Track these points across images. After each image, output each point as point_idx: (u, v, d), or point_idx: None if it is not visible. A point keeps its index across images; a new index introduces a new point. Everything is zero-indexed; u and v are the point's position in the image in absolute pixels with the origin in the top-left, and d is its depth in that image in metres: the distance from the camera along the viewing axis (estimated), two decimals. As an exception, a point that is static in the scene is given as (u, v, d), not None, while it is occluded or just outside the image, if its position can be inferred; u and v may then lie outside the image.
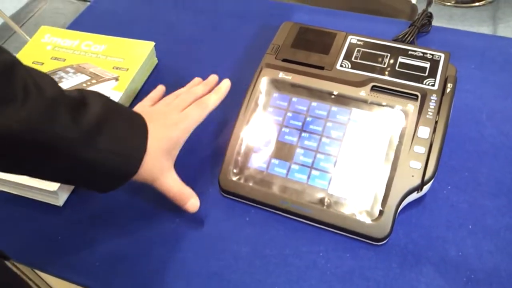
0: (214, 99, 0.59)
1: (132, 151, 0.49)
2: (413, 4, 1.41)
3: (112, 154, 0.47)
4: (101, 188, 0.50)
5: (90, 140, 0.45)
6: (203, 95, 0.60)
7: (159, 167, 0.52)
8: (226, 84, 0.61)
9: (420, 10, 1.30)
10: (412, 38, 0.74)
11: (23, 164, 0.44)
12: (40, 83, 0.42)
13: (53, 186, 0.58)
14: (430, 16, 0.78)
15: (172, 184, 0.54)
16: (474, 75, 0.70)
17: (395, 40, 0.75)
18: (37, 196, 0.60)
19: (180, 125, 0.54)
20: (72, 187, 0.61)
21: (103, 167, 0.47)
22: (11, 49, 0.43)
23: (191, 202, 0.55)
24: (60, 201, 0.60)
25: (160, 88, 0.64)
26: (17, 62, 0.41)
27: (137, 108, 0.59)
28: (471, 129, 0.63)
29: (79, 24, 0.87)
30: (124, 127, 0.50)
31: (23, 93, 0.40)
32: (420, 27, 0.76)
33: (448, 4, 2.20)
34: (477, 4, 2.19)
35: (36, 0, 2.44)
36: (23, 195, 0.61)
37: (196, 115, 0.56)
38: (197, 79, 0.64)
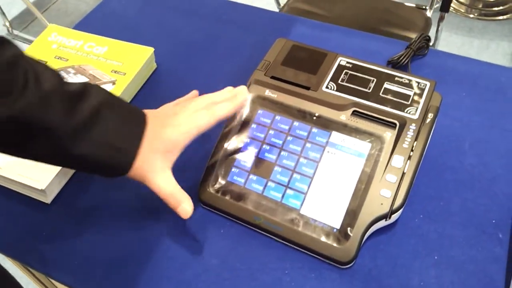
0: (227, 108, 0.56)
1: (125, 145, 0.50)
2: (428, 16, 1.40)
3: (103, 146, 0.48)
4: (101, 175, 0.52)
5: (81, 132, 0.47)
6: (222, 102, 0.57)
7: (152, 165, 0.52)
8: (242, 96, 0.58)
9: (435, 22, 1.30)
10: (407, 61, 0.75)
11: (22, 149, 0.47)
12: (40, 76, 0.45)
13: (41, 184, 0.61)
14: (428, 40, 0.78)
15: (164, 185, 0.52)
16: (464, 102, 0.70)
17: (390, 62, 0.76)
18: (26, 192, 0.63)
19: (182, 127, 0.53)
20: (61, 185, 0.64)
21: (94, 160, 0.48)
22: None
23: (182, 207, 0.53)
24: (48, 199, 0.63)
25: (194, 93, 0.64)
26: (21, 56, 0.45)
27: (158, 108, 0.59)
28: (452, 158, 0.64)
29: (87, 24, 0.89)
30: (120, 121, 0.50)
31: (22, 85, 0.43)
32: (416, 50, 0.76)
33: (471, 16, 2.17)
34: (500, 17, 2.15)
35: (60, -14, 2.49)
36: (13, 189, 0.64)
37: (202, 121, 0.54)
38: (228, 88, 0.60)
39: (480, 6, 2.22)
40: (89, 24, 0.90)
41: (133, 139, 0.51)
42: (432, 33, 1.36)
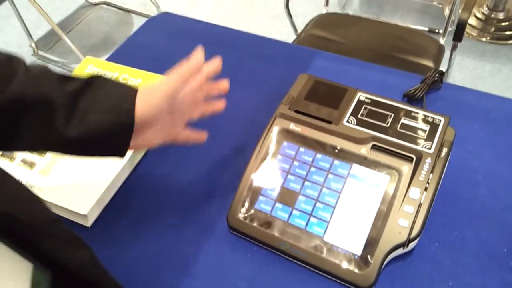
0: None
1: (123, 103, 0.51)
2: (441, 44, 1.45)
3: (103, 111, 0.49)
4: (108, 150, 0.53)
5: (76, 101, 0.48)
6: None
7: (158, 108, 0.54)
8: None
9: (448, 47, 1.34)
10: (422, 94, 0.79)
11: (20, 135, 0.48)
12: (30, 67, 0.48)
13: (84, 209, 0.66)
14: (441, 74, 0.82)
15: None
16: (476, 135, 0.74)
17: (406, 95, 0.80)
18: (67, 215, 0.68)
19: (163, 87, 0.56)
20: (100, 210, 0.69)
21: (98, 127, 0.49)
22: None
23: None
24: (89, 222, 0.68)
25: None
26: (16, 60, 0.48)
27: None
28: (465, 189, 0.68)
29: (119, 55, 0.95)
30: (111, 87, 0.52)
31: (12, 74, 0.46)
32: (431, 84, 0.81)
33: (484, 40, 2.22)
34: None
35: (83, 8, 2.58)
36: (56, 213, 0.69)
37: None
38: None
39: (493, 30, 2.26)
40: (121, 55, 0.96)
41: (127, 97, 0.52)
42: (445, 57, 1.41)
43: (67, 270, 0.40)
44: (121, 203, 0.71)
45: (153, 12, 2.47)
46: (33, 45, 2.30)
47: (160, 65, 0.92)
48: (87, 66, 0.88)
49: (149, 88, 0.55)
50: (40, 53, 2.29)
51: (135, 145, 0.55)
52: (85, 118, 0.49)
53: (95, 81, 0.51)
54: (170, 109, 0.57)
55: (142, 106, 0.52)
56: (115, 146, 0.53)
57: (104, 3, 2.59)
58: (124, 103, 0.51)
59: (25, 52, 2.28)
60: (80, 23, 2.48)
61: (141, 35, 1.01)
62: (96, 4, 2.59)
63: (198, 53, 0.60)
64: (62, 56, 2.25)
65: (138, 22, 2.43)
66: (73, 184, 0.69)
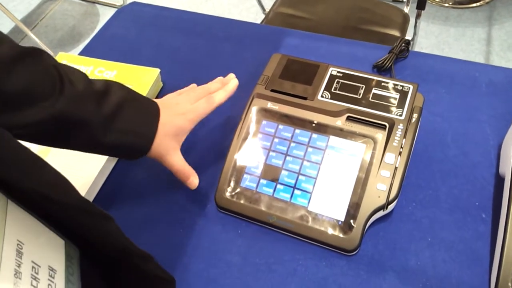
0: (221, 97, 0.68)
1: (145, 131, 0.61)
2: (405, 13, 1.49)
3: (127, 133, 0.59)
4: (125, 157, 0.63)
5: (109, 123, 0.57)
6: (216, 91, 0.69)
7: (166, 146, 0.63)
8: (233, 83, 0.70)
9: (412, 18, 1.38)
10: (390, 64, 0.83)
11: (61, 142, 0.58)
12: (72, 78, 0.55)
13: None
14: (407, 43, 0.86)
15: (176, 162, 0.64)
16: (444, 98, 0.78)
17: (375, 66, 0.83)
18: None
19: (187, 115, 0.64)
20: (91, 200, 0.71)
21: (121, 144, 0.59)
22: None
23: (191, 179, 0.66)
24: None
25: (192, 86, 0.73)
26: (56, 62, 0.55)
27: (163, 98, 0.69)
28: (437, 151, 0.72)
29: (91, 49, 0.96)
30: (139, 112, 0.61)
31: (60, 86, 0.53)
32: (398, 53, 0.84)
33: (446, 5, 2.27)
34: (474, 5, 2.25)
35: (46, 2, 2.53)
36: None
37: (203, 109, 0.66)
38: (218, 78, 0.73)
39: (454, -6, 2.31)
40: (93, 49, 0.96)
41: (150, 126, 0.61)
42: (411, 25, 1.45)
43: (95, 244, 0.45)
44: (110, 191, 0.73)
45: (118, 2, 2.44)
46: (-2, 44, 2.25)
47: (133, 55, 0.93)
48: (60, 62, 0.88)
49: (171, 119, 0.64)
50: (6, 51, 2.24)
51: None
52: (116, 135, 0.58)
53: (126, 104, 0.59)
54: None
55: (161, 134, 0.62)
56: (136, 156, 0.63)
57: (67, -5, 2.55)
58: (145, 130, 0.61)
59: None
60: (45, 18, 2.43)
61: (111, 27, 1.01)
62: (58, -3, 2.55)
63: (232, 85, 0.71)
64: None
65: (104, 13, 2.40)
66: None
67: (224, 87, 0.69)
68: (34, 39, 2.11)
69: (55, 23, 2.40)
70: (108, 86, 0.59)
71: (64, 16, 2.44)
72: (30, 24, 2.37)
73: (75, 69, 0.58)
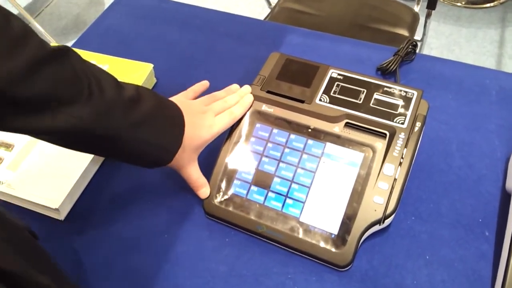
0: (241, 111, 0.67)
1: (168, 145, 0.59)
2: (415, 12, 1.44)
3: (152, 145, 0.57)
4: (144, 166, 0.61)
5: (133, 131, 0.55)
6: (235, 104, 0.68)
7: (187, 159, 0.62)
8: (249, 98, 0.68)
9: (422, 17, 1.33)
10: (395, 67, 0.79)
11: (82, 148, 0.57)
12: (102, 83, 0.52)
13: (55, 203, 0.64)
14: (414, 45, 0.82)
15: (193, 173, 0.64)
16: (450, 105, 0.74)
17: (379, 69, 0.79)
18: (40, 210, 0.67)
19: (212, 129, 0.63)
20: (73, 202, 0.68)
21: (142, 153, 0.58)
22: None
23: (203, 190, 0.65)
24: (61, 216, 0.66)
25: (205, 83, 0.72)
26: (84, 65, 0.51)
27: (179, 97, 0.68)
28: (440, 161, 0.68)
29: (85, 41, 0.92)
30: (166, 124, 0.59)
31: (88, 92, 0.49)
32: (404, 56, 0.80)
33: (458, 4, 2.21)
34: (487, 5, 2.19)
35: (51, -10, 2.50)
36: (26, 207, 0.68)
37: (225, 123, 0.65)
38: (234, 86, 0.71)
39: (467, -6, 2.25)
40: (87, 40, 0.93)
41: (175, 140, 0.60)
42: (421, 24, 1.40)
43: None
44: (94, 195, 0.70)
45: (124, -9, 2.40)
46: (1, 30, 2.22)
47: (127, 49, 0.90)
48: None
49: (197, 132, 0.62)
50: (9, 38, 2.22)
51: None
52: (138, 144, 0.57)
53: (154, 114, 0.57)
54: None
55: (184, 147, 0.61)
56: (152, 167, 0.62)
57: (72, -17, 2.52)
58: (169, 144, 0.60)
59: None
60: (49, 6, 2.40)
61: (107, 18, 0.98)
62: (64, -15, 2.52)
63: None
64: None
65: (109, 2, 2.36)
66: (43, 178, 0.67)
67: (241, 102, 0.68)
68: (37, 27, 2.08)
69: (59, 11, 2.37)
70: (139, 94, 0.56)
71: (69, 4, 2.41)
72: (33, 11, 2.34)
73: (105, 72, 0.54)
